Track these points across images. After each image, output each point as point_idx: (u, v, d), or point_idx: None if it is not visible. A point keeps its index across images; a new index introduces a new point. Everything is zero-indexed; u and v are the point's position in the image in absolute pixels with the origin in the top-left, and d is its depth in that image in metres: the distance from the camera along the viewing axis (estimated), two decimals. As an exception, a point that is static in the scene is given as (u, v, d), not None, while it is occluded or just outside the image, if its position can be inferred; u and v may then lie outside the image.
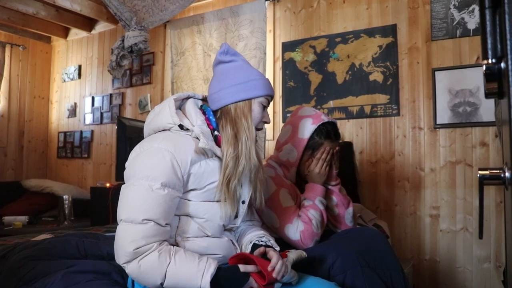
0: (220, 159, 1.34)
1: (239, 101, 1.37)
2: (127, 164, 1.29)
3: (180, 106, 1.42)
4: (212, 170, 1.31)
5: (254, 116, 1.39)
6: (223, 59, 1.44)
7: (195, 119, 1.35)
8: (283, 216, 1.73)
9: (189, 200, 1.30)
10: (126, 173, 1.28)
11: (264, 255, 1.28)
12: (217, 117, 1.40)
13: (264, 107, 1.43)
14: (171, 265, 1.16)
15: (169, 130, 1.34)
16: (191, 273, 1.16)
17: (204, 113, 1.40)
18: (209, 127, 1.36)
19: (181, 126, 1.32)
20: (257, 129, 1.43)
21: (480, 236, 1.05)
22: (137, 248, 1.15)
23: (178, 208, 1.29)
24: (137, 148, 1.31)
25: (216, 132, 1.36)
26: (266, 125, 3.63)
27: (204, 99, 1.49)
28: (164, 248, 1.18)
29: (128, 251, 1.15)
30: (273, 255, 1.23)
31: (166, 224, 1.22)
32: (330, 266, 1.47)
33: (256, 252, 1.28)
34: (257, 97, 1.40)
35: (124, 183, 1.28)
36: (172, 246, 1.21)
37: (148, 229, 1.17)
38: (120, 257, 1.18)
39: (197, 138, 1.30)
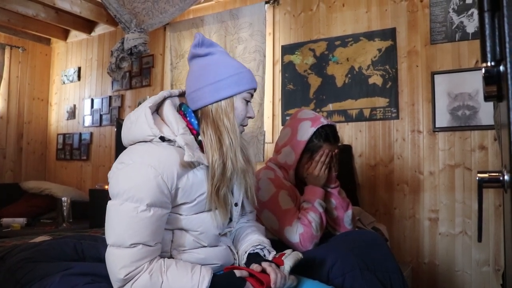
0: (207, 166, 1.26)
1: (221, 100, 1.28)
2: (110, 177, 1.23)
3: (157, 108, 1.33)
4: (200, 181, 1.25)
5: (237, 114, 1.30)
6: (198, 52, 1.33)
7: (176, 127, 1.25)
8: (282, 218, 1.73)
9: (180, 215, 1.25)
10: (110, 190, 1.20)
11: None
12: (198, 117, 1.31)
13: (248, 102, 1.34)
14: (165, 284, 1.13)
15: (150, 141, 1.25)
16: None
17: (184, 115, 1.32)
18: (192, 132, 1.29)
19: (162, 138, 1.23)
20: (242, 126, 1.35)
21: (479, 239, 1.05)
22: (128, 274, 1.12)
23: (171, 223, 1.24)
24: (118, 163, 1.22)
25: (200, 137, 1.29)
26: (265, 129, 3.66)
27: (182, 94, 1.40)
28: (155, 267, 1.14)
29: (119, 277, 1.12)
30: (271, 272, 1.20)
31: (155, 243, 1.18)
32: (329, 269, 1.47)
33: (255, 269, 1.24)
34: (240, 93, 1.30)
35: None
36: (162, 261, 1.17)
37: (136, 253, 1.13)
38: (113, 282, 1.15)
39: (180, 147, 1.23)
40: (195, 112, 1.32)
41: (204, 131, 1.28)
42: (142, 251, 1.13)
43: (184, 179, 1.22)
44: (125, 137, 1.33)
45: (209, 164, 1.25)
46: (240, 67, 1.34)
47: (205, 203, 1.27)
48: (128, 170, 1.18)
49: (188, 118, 1.31)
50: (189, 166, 1.24)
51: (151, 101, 1.31)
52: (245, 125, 1.37)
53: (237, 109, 1.30)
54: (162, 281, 1.13)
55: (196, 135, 1.29)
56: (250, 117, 1.36)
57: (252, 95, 1.36)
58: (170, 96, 1.36)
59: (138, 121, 1.27)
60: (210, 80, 1.28)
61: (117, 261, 1.13)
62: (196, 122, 1.31)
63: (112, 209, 1.18)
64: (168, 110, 1.31)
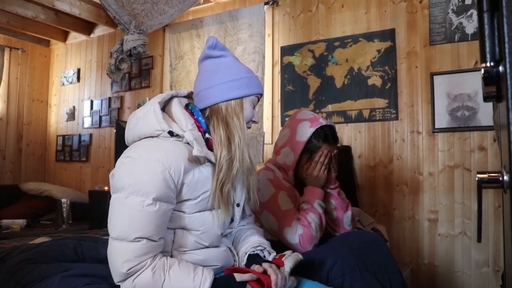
0: (213, 164, 1.28)
1: (231, 100, 1.30)
2: (115, 172, 1.23)
3: (164, 106, 1.34)
4: (205, 178, 1.27)
5: (245, 115, 1.33)
6: (212, 53, 1.36)
7: (185, 123, 1.27)
8: (282, 219, 1.73)
9: (183, 212, 1.26)
10: (114, 184, 1.21)
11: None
12: (206, 116, 1.33)
13: (254, 106, 1.38)
14: (166, 282, 1.13)
15: (157, 137, 1.27)
16: None
17: (191, 113, 1.34)
18: (199, 130, 1.31)
19: (170, 133, 1.25)
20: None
21: (479, 239, 1.05)
22: (130, 269, 1.12)
23: (173, 221, 1.25)
24: (123, 158, 1.23)
25: (207, 135, 1.31)
26: (264, 130, 3.66)
27: (189, 96, 1.42)
28: (158, 265, 1.15)
29: (121, 271, 1.12)
30: (271, 273, 1.20)
31: (159, 239, 1.19)
32: (328, 269, 1.47)
33: (256, 270, 1.24)
34: (250, 95, 1.34)
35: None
36: (166, 259, 1.18)
37: (140, 247, 1.13)
38: (114, 276, 1.16)
39: (188, 143, 1.25)
40: (202, 111, 1.34)
41: (214, 127, 1.30)
42: (146, 246, 1.14)
43: (190, 175, 1.23)
44: (130, 134, 1.34)
45: (216, 160, 1.26)
46: (250, 71, 1.37)
47: (208, 201, 1.27)
48: (134, 164, 1.19)
49: (195, 116, 1.33)
50: (196, 162, 1.25)
51: (159, 97, 1.33)
52: (249, 128, 1.39)
53: (245, 110, 1.33)
54: (164, 279, 1.13)
55: (203, 133, 1.31)
56: (254, 122, 1.39)
57: (258, 100, 1.39)
58: (177, 96, 1.38)
59: (145, 117, 1.28)
60: (223, 79, 1.30)
61: (120, 255, 1.13)
62: (204, 121, 1.32)
63: (117, 203, 1.18)
64: (176, 107, 1.32)
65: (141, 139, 1.29)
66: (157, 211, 1.16)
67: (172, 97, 1.37)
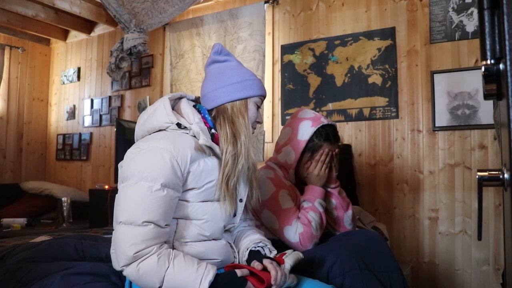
0: (218, 157, 1.34)
1: (236, 100, 1.38)
2: (123, 163, 1.27)
3: (173, 106, 1.41)
4: (210, 169, 1.31)
5: (250, 115, 1.40)
6: (217, 58, 1.44)
7: (192, 117, 1.34)
8: (282, 218, 1.73)
9: (187, 201, 1.28)
10: (123, 173, 1.25)
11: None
12: (212, 116, 1.40)
13: (258, 107, 1.44)
14: (170, 270, 1.15)
15: (165, 129, 1.33)
16: (189, 278, 1.15)
17: (199, 111, 1.40)
18: (205, 125, 1.36)
19: (178, 125, 1.31)
20: (252, 128, 1.44)
21: (479, 237, 1.05)
22: (137, 252, 1.14)
23: (176, 210, 1.27)
24: (133, 149, 1.28)
25: (212, 130, 1.37)
26: (265, 128, 3.66)
27: (196, 100, 1.49)
28: (163, 252, 1.17)
29: (128, 254, 1.14)
30: (271, 269, 1.21)
31: (166, 225, 1.21)
32: (329, 268, 1.47)
33: (256, 267, 1.25)
34: (253, 96, 1.41)
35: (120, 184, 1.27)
36: (171, 250, 1.20)
37: (148, 232, 1.16)
38: (120, 260, 1.17)
39: (194, 136, 1.31)
40: (209, 112, 1.41)
41: (220, 125, 1.37)
42: (153, 231, 1.17)
43: (196, 165, 1.28)
44: (139, 130, 1.40)
45: (223, 155, 1.32)
46: (253, 74, 1.45)
47: (213, 192, 1.32)
48: (143, 154, 1.24)
49: (202, 114, 1.40)
50: (201, 153, 1.30)
51: (170, 94, 1.41)
52: (254, 129, 1.46)
53: (250, 110, 1.40)
54: (168, 267, 1.15)
55: (209, 128, 1.37)
56: (258, 122, 1.46)
57: (262, 102, 1.46)
58: (186, 97, 1.46)
59: (155, 112, 1.36)
60: (228, 81, 1.38)
61: (127, 238, 1.16)
62: (210, 118, 1.39)
63: (125, 189, 1.22)
64: (185, 104, 1.40)
65: (150, 134, 1.35)
66: (165, 196, 1.20)
67: (181, 97, 1.45)
